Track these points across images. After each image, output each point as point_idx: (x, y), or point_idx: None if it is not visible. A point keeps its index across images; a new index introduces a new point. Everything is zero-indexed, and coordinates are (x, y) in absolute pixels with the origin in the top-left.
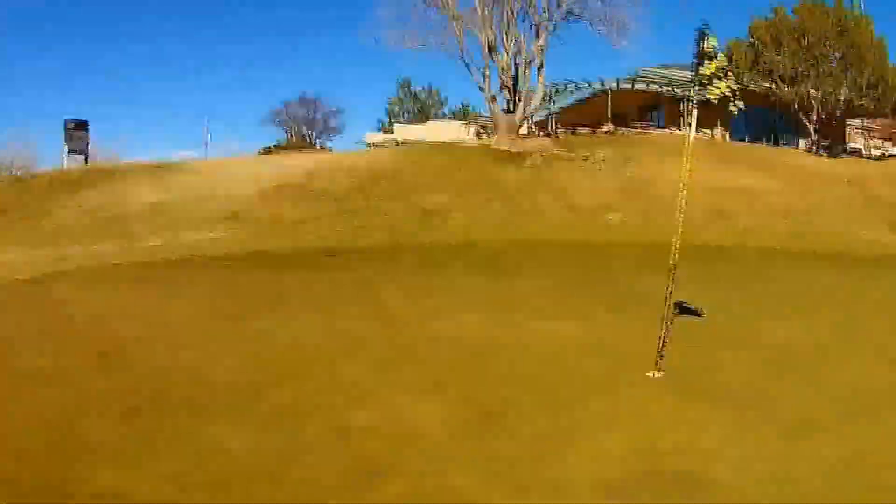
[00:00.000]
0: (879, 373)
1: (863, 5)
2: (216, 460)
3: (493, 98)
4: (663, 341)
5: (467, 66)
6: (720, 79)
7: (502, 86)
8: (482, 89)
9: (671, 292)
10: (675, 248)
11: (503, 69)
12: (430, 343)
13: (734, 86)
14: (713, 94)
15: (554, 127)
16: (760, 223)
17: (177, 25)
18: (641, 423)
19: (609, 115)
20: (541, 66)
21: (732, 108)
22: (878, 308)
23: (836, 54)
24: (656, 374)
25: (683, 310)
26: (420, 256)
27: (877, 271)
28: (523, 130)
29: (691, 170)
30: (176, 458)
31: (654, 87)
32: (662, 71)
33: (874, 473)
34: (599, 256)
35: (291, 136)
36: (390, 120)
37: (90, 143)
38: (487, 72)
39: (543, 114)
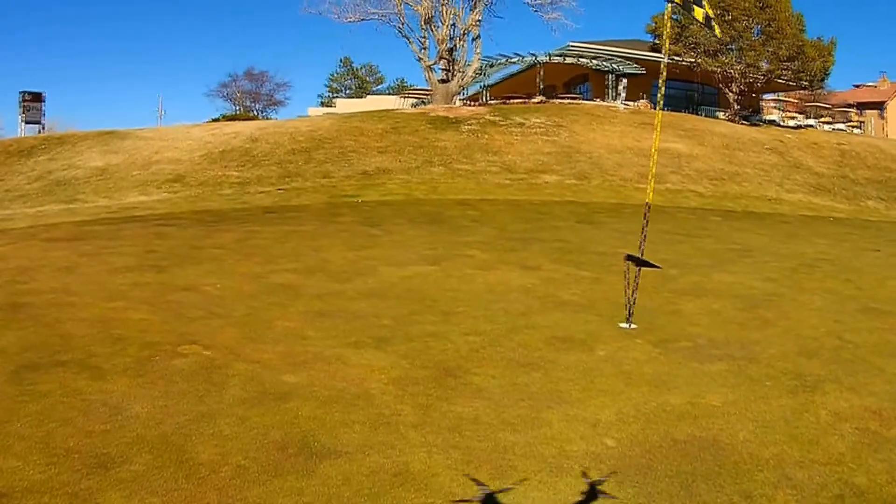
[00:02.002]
0: (853, 321)
1: None
2: (110, 429)
3: (431, 68)
4: (634, 293)
5: (406, 37)
6: (699, 4)
7: (439, 57)
8: (420, 60)
9: (644, 245)
10: (648, 205)
11: (440, 41)
12: (373, 295)
13: (711, 13)
14: (699, 13)
15: (487, 98)
16: (690, 185)
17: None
18: (634, 380)
19: (540, 87)
20: (476, 38)
21: (716, 30)
22: (819, 261)
23: (757, 28)
24: (630, 326)
25: (640, 262)
26: (361, 214)
27: (805, 229)
28: (457, 104)
29: (622, 134)
30: (62, 424)
31: (582, 61)
32: (591, 46)
33: (894, 426)
34: (538, 213)
35: (239, 108)
36: (332, 95)
37: (48, 115)
38: (425, 43)
39: (476, 88)
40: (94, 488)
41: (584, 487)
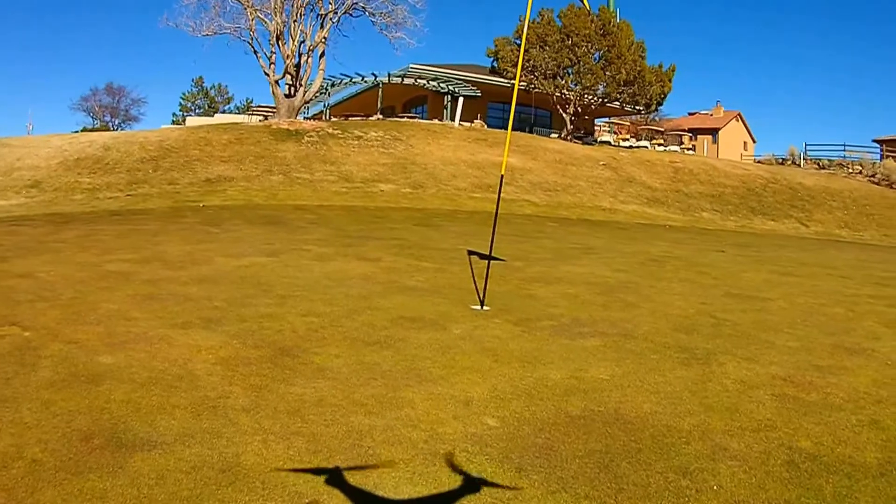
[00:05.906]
0: (721, 304)
1: (618, 11)
2: None
3: (277, 83)
4: (486, 279)
5: (255, 53)
6: None
7: (285, 72)
8: (267, 75)
9: (494, 234)
10: (501, 178)
11: (287, 56)
12: (206, 280)
13: None
14: None
15: (328, 117)
16: (524, 195)
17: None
18: (502, 357)
19: (379, 106)
20: (322, 55)
21: (585, 2)
22: (666, 257)
23: (598, 53)
24: (484, 308)
25: (483, 255)
26: (202, 216)
27: (644, 234)
28: (299, 119)
29: (456, 148)
30: None
31: (422, 82)
32: (431, 68)
33: (811, 391)
34: (374, 217)
35: (98, 122)
36: (183, 113)
37: None
38: (273, 58)
39: (319, 108)
40: None
41: (472, 476)
